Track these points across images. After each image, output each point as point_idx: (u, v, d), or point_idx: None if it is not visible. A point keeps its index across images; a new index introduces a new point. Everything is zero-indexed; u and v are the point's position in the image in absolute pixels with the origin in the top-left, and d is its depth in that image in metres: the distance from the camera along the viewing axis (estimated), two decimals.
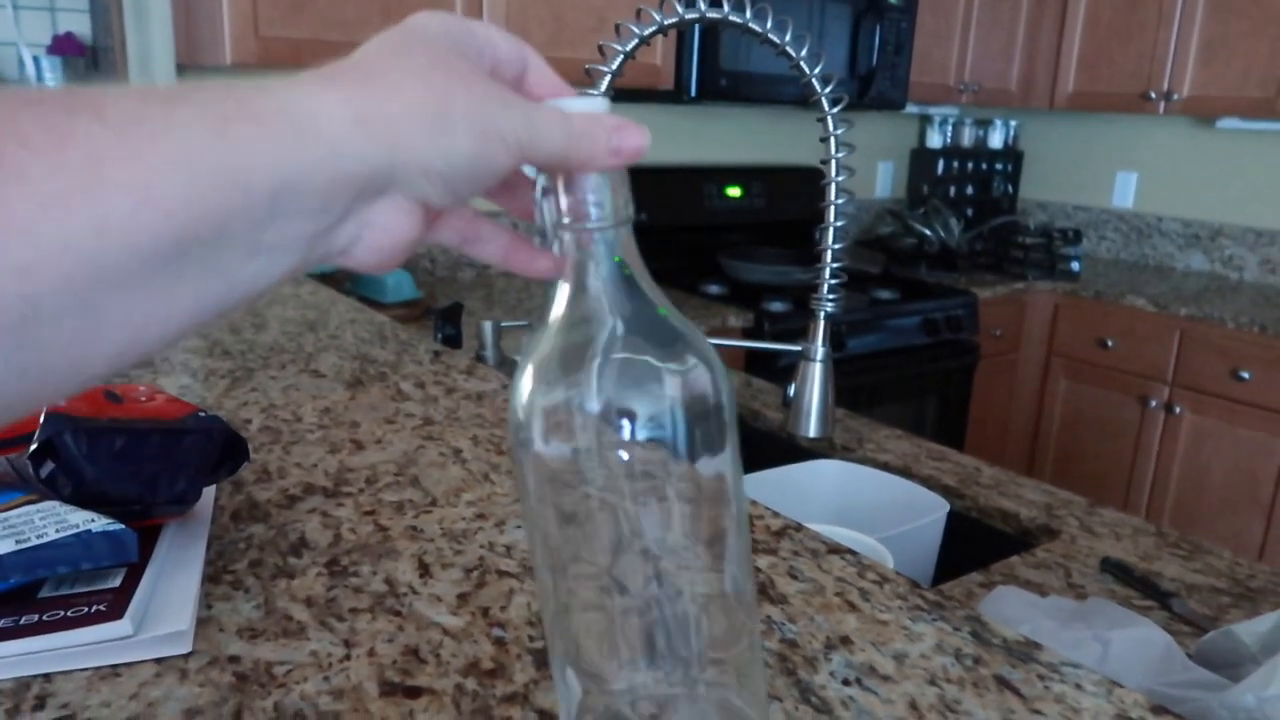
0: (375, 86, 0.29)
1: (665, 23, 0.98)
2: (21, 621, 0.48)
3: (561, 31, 2.10)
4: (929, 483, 1.09)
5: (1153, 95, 2.81)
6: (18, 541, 0.49)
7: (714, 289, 2.42)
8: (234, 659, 0.49)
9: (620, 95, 0.92)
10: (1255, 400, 2.46)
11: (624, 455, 0.34)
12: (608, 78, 0.99)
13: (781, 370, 2.08)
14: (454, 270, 2.46)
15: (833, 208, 1.07)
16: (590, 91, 0.35)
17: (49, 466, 0.54)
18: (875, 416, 1.32)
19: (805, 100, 1.12)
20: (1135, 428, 2.70)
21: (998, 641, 0.55)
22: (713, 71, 2.31)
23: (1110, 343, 2.74)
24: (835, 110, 1.03)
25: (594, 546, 0.36)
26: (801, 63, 1.00)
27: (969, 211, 3.35)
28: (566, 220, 0.34)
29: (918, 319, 2.53)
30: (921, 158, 3.37)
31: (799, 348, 1.17)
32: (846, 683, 0.50)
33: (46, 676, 0.47)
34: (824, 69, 1.01)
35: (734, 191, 2.73)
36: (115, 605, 0.49)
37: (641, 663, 0.38)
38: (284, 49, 1.77)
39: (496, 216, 0.36)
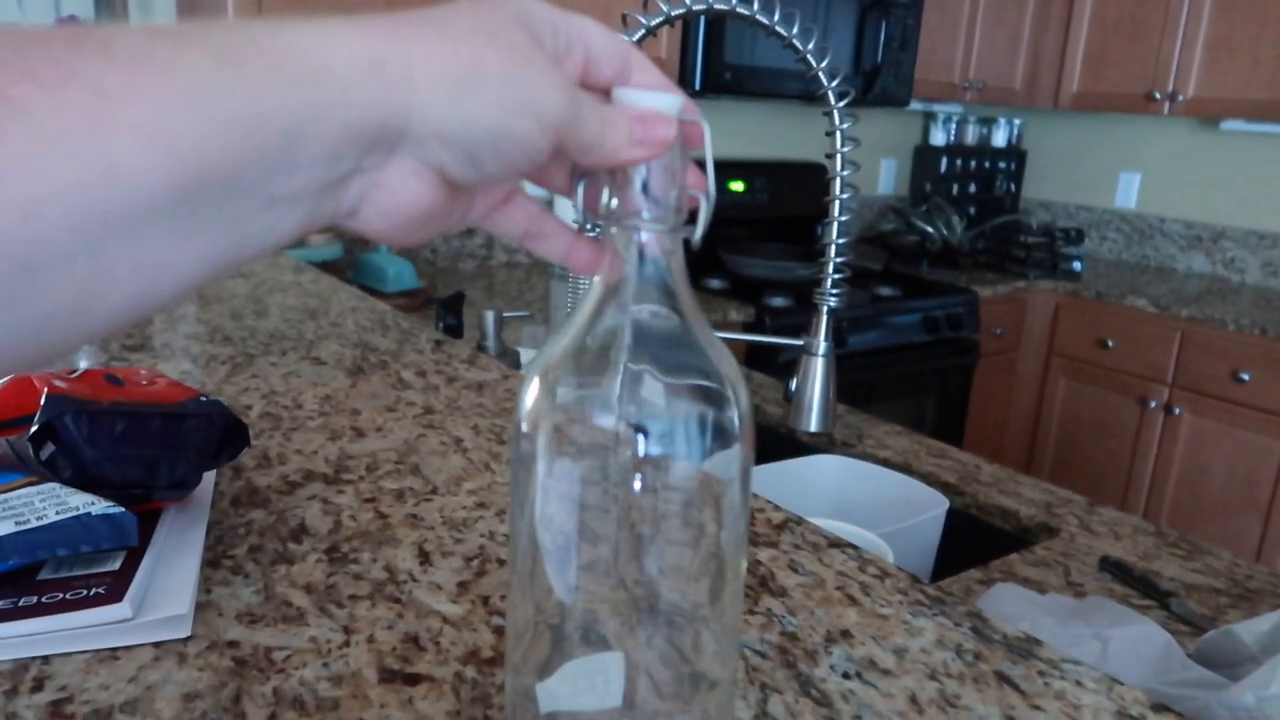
0: (403, 36, 0.28)
1: (673, 14, 0.98)
2: (20, 603, 0.48)
3: None
4: (929, 479, 1.09)
5: (1157, 96, 2.81)
6: (17, 523, 0.49)
7: (715, 283, 2.42)
8: (233, 644, 0.49)
9: None
10: (1255, 402, 2.46)
11: (631, 473, 0.33)
12: None
13: (782, 365, 2.08)
14: (455, 260, 2.45)
15: (837, 202, 1.07)
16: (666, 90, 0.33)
17: (49, 449, 0.53)
18: (875, 413, 1.32)
19: (809, 95, 1.12)
20: (1134, 428, 2.70)
21: (998, 637, 0.55)
22: (717, 65, 2.30)
23: (1111, 343, 2.73)
24: (841, 104, 1.03)
25: (581, 564, 0.34)
26: (809, 56, 1.00)
27: (971, 209, 3.35)
28: (614, 211, 0.33)
29: (919, 316, 2.53)
30: (925, 155, 3.36)
31: (801, 342, 1.17)
32: (847, 676, 0.50)
33: (45, 659, 0.47)
34: (830, 64, 1.01)
35: (736, 186, 2.73)
36: (114, 588, 0.49)
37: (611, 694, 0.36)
38: None
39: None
